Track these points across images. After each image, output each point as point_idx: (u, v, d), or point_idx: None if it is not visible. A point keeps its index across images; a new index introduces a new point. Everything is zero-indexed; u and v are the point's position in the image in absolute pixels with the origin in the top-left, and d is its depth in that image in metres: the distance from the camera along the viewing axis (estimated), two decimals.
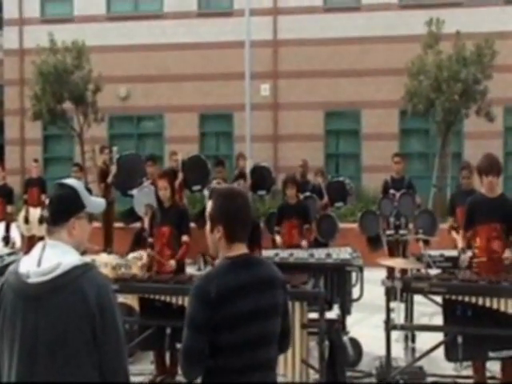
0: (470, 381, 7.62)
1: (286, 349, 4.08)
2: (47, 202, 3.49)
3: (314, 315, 7.33)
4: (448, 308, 7.38)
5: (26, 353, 3.33)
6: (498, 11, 21.84)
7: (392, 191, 12.98)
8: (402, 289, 7.36)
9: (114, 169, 15.37)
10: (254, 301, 3.64)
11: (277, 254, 9.28)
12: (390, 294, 7.43)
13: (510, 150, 22.41)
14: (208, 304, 3.57)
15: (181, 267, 8.57)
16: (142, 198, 13.10)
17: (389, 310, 7.44)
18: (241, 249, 3.79)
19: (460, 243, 8.36)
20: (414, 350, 8.35)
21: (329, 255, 9.12)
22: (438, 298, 7.70)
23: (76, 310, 3.29)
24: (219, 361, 3.61)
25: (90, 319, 3.30)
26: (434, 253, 9.78)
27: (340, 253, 9.26)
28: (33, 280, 3.33)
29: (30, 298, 3.33)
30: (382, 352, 7.62)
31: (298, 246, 10.59)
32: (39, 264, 3.36)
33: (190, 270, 9.10)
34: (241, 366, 3.62)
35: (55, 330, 3.30)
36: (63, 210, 3.49)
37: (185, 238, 8.55)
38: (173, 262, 8.39)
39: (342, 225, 13.72)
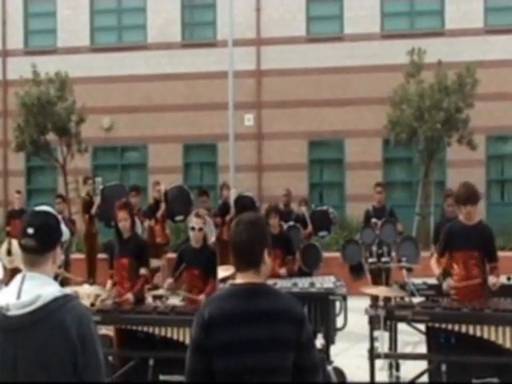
0: None
1: None
2: (30, 231, 3.39)
3: None
4: (431, 336, 7.40)
5: None
6: (479, 40, 22.03)
7: (374, 220, 13.01)
8: (385, 317, 7.37)
9: (97, 200, 15.33)
10: (246, 331, 3.54)
11: None
12: (373, 323, 7.42)
13: (492, 178, 22.52)
14: (202, 327, 3.57)
15: (140, 298, 8.41)
16: None
17: (373, 339, 7.44)
18: (245, 277, 3.68)
19: (436, 269, 8.12)
20: (398, 378, 8.34)
21: (312, 284, 9.11)
22: (422, 326, 7.71)
23: (57, 343, 3.27)
24: None
25: (71, 351, 3.28)
26: (418, 281, 9.78)
27: (323, 282, 9.25)
28: (12, 313, 3.30)
29: (9, 331, 3.30)
30: (367, 381, 7.60)
31: (280, 277, 10.51)
32: (19, 296, 3.33)
33: (174, 300, 9.03)
34: None
35: (35, 361, 3.28)
36: (52, 238, 3.48)
37: (143, 270, 8.48)
38: (130, 296, 8.23)
39: (325, 254, 13.69)
